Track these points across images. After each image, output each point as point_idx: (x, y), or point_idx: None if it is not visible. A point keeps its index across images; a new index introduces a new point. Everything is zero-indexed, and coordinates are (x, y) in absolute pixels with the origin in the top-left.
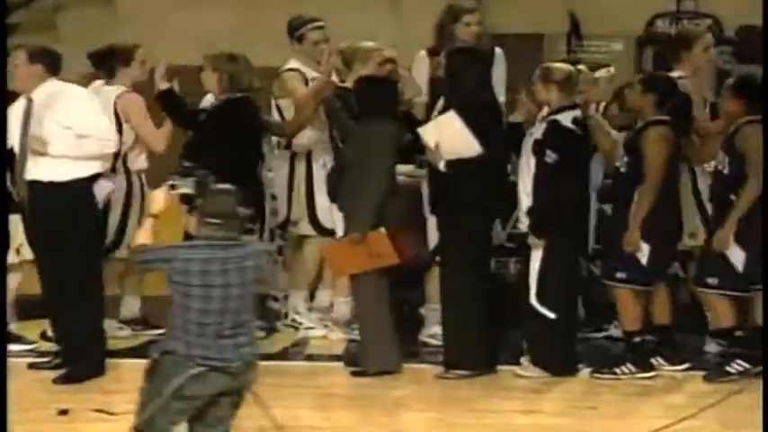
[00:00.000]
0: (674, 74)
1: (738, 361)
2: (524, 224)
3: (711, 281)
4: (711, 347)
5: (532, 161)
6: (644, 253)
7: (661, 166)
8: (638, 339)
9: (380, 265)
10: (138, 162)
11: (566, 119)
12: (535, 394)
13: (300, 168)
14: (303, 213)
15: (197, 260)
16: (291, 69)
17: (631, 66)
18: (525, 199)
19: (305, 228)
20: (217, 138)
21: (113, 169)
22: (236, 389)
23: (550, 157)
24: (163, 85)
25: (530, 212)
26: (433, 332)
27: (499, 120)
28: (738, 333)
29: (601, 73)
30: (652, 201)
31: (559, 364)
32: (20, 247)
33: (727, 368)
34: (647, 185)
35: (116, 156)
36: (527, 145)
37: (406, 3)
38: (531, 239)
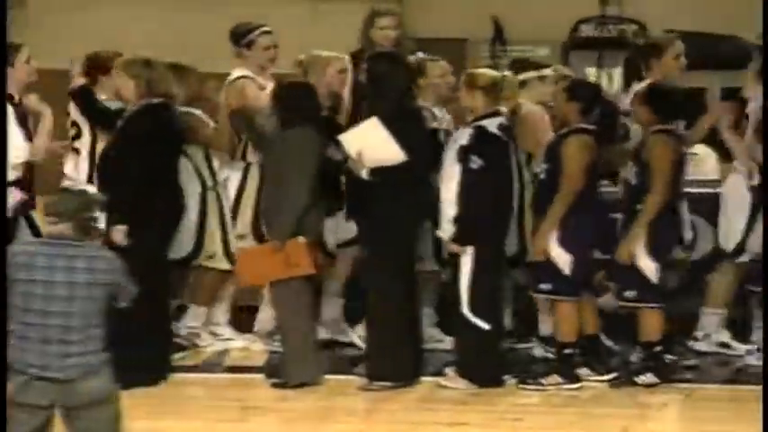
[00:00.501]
0: (645, 81)
1: (649, 374)
2: (446, 232)
3: (629, 294)
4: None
5: (457, 168)
6: (566, 263)
7: (579, 174)
8: (568, 351)
9: (296, 274)
10: None
11: (491, 125)
12: (461, 406)
13: (253, 181)
14: (248, 229)
15: (41, 255)
16: (243, 77)
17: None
18: (450, 207)
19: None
20: (133, 145)
21: None
22: (80, 402)
23: (476, 163)
24: (78, 81)
25: (456, 220)
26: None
27: (423, 126)
28: (658, 348)
29: (529, 75)
30: (568, 209)
31: (486, 375)
32: None
33: (636, 379)
34: (563, 193)
35: None
36: (450, 151)
37: (323, 7)
38: (457, 248)
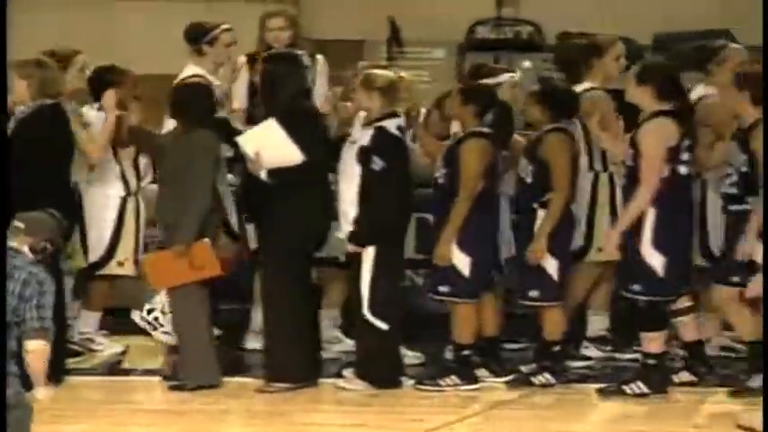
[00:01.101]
0: (585, 84)
1: (546, 374)
2: (344, 233)
3: (533, 293)
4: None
5: (357, 169)
6: (465, 265)
7: (476, 178)
8: (466, 353)
9: (203, 276)
10: None
11: (391, 126)
12: (359, 407)
13: None
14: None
15: None
16: (196, 76)
17: (453, 73)
18: (349, 208)
19: None
20: (23, 148)
21: None
22: None
23: (377, 164)
24: None
25: (357, 221)
26: None
27: (321, 127)
28: (556, 348)
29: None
30: (466, 213)
31: (384, 376)
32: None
33: (533, 379)
34: (462, 197)
35: None
36: (349, 152)
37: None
38: (358, 249)
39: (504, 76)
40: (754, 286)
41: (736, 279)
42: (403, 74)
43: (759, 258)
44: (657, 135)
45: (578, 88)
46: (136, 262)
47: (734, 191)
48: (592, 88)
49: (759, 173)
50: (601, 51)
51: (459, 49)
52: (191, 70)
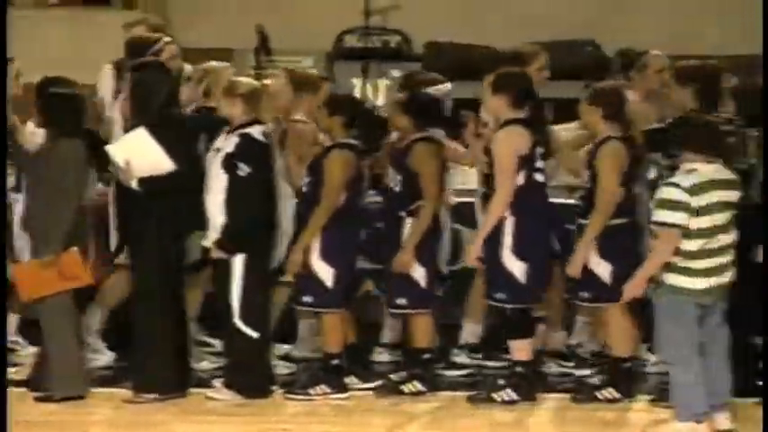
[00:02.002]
0: None
1: (414, 382)
2: (211, 241)
3: (401, 301)
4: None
5: (223, 176)
6: (328, 276)
7: (339, 189)
8: (335, 362)
9: (73, 286)
10: None
11: (256, 132)
12: (227, 417)
13: None
14: None
15: None
16: None
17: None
18: (218, 215)
19: None
20: None
21: None
22: None
23: (243, 170)
24: None
25: (225, 228)
26: None
27: (189, 135)
28: (426, 356)
29: None
30: (330, 223)
31: (253, 385)
32: None
33: (402, 387)
34: (322, 207)
35: None
36: (216, 160)
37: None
38: (226, 256)
39: (443, 87)
40: (631, 288)
41: (586, 295)
42: (267, 81)
43: (603, 274)
44: (510, 143)
45: None
46: None
47: (581, 202)
48: None
49: (600, 189)
50: (525, 62)
51: (327, 58)
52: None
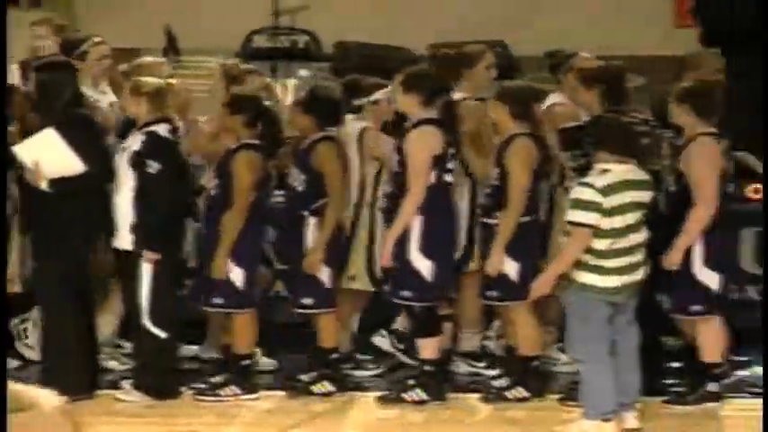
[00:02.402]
0: (457, 94)
1: (324, 382)
2: (123, 240)
3: (306, 301)
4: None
5: (132, 174)
6: (238, 277)
7: (248, 190)
8: (245, 363)
9: None
10: None
11: (162, 129)
12: (136, 419)
13: None
14: None
15: None
16: None
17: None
18: (127, 214)
19: None
20: None
21: None
22: None
23: (152, 167)
24: None
25: (136, 227)
26: None
27: (97, 134)
28: (334, 355)
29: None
30: (239, 225)
31: (163, 386)
32: None
33: (312, 387)
34: (234, 210)
35: None
36: (123, 159)
37: None
38: (142, 254)
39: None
40: (538, 286)
41: (494, 294)
42: (171, 80)
43: (510, 272)
44: (423, 143)
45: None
46: None
47: (487, 202)
48: (463, 98)
49: (512, 186)
50: (471, 61)
51: (235, 58)
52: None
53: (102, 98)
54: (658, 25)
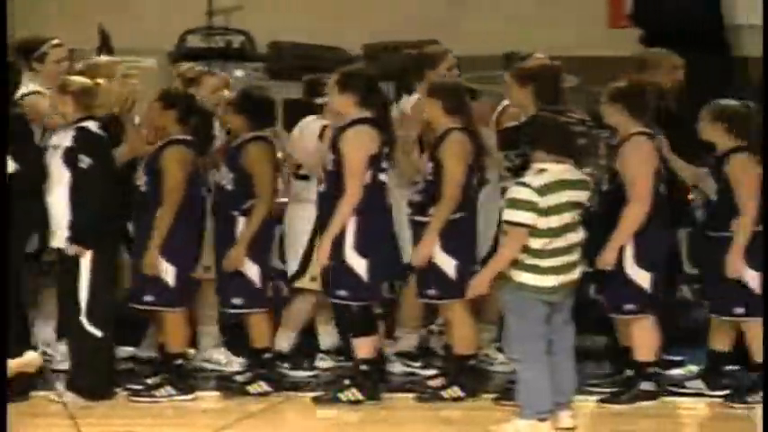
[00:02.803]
0: (415, 95)
1: (260, 382)
2: (60, 239)
3: (236, 301)
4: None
5: (65, 171)
6: (170, 274)
7: (180, 186)
8: (179, 362)
9: None
10: None
11: (92, 126)
12: (70, 420)
13: None
14: None
15: None
16: (34, 93)
17: (164, 82)
18: (64, 212)
19: None
20: None
21: None
22: None
23: (84, 161)
24: None
25: (73, 224)
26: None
27: (29, 135)
28: (267, 355)
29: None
30: (170, 221)
31: (97, 386)
32: None
33: (248, 388)
34: (166, 205)
35: None
36: (55, 157)
37: None
38: (79, 251)
39: None
40: (475, 284)
41: (431, 292)
42: (100, 80)
43: (448, 269)
44: (359, 143)
45: (410, 99)
46: None
47: (419, 199)
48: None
49: (446, 180)
50: (433, 62)
51: (170, 58)
52: (27, 87)
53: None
54: (593, 26)
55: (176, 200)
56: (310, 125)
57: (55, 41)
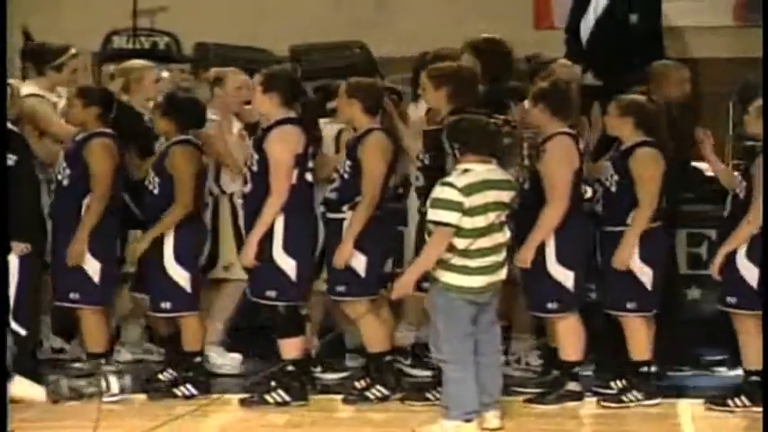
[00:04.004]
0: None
1: (187, 385)
2: None
3: (165, 305)
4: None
5: None
6: (95, 271)
7: (108, 177)
8: (102, 361)
9: None
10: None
11: (11, 125)
12: None
13: None
14: None
15: None
16: (34, 95)
17: (90, 82)
18: None
19: None
20: None
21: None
22: None
23: (10, 158)
24: None
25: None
26: None
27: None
28: (198, 359)
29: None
30: (100, 211)
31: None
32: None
33: (175, 390)
34: (94, 198)
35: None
36: None
37: None
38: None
39: None
40: (400, 285)
41: (340, 289)
42: (12, 81)
43: (358, 266)
44: (285, 142)
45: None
46: None
47: (333, 196)
48: None
49: (366, 179)
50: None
51: (95, 59)
52: (29, 88)
53: (59, 101)
54: (519, 27)
55: (105, 193)
56: (325, 129)
57: (73, 51)
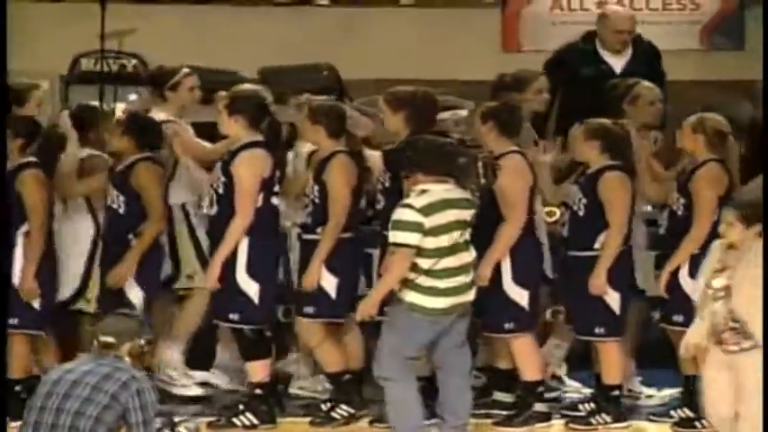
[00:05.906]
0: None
1: None
2: None
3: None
4: None
5: None
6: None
7: (43, 207)
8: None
9: None
10: None
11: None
12: None
13: None
14: None
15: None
16: (169, 121)
17: (58, 105)
18: None
19: None
20: None
21: None
22: None
23: None
24: None
25: None
26: None
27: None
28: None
29: None
30: (41, 243)
31: None
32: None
33: None
34: (32, 230)
35: None
36: None
37: None
38: None
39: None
40: (364, 307)
41: (309, 310)
42: None
43: (329, 288)
44: (252, 166)
45: None
46: None
47: (307, 220)
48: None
49: (332, 202)
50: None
51: (62, 82)
52: (160, 115)
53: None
54: (486, 49)
55: (41, 222)
56: (298, 145)
57: (186, 69)
